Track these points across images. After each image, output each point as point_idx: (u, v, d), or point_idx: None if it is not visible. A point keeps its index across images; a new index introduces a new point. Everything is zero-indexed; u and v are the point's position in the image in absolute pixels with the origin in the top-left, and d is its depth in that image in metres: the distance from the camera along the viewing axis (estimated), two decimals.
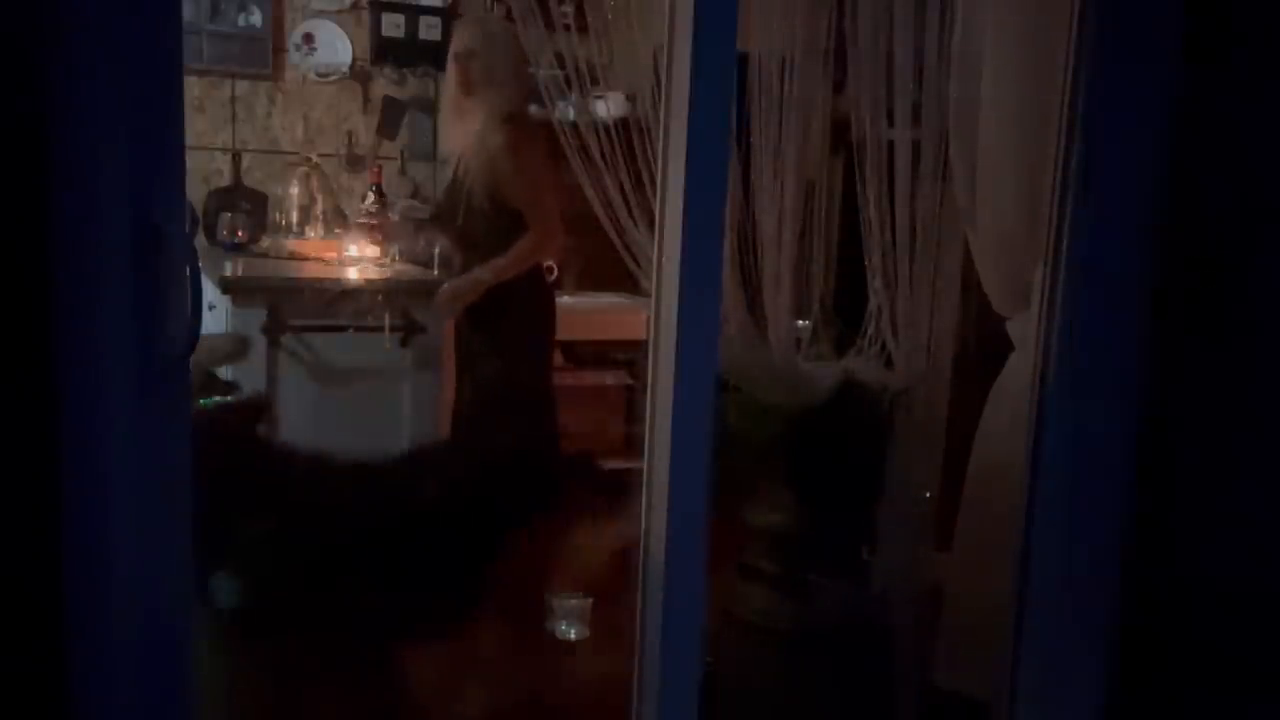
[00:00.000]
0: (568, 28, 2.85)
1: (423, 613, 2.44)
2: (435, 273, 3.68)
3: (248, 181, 4.40)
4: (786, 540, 2.92)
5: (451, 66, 3.47)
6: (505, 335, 3.46)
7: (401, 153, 4.62)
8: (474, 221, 3.42)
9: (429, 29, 4.56)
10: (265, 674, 2.58)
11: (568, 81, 2.82)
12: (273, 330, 3.29)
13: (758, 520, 2.97)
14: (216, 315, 3.31)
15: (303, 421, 3.30)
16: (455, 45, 3.50)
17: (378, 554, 2.34)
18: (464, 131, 3.45)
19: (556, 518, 2.74)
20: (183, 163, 1.40)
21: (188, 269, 1.38)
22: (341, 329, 3.40)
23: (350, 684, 2.47)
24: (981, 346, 2.87)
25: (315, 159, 4.44)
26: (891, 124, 2.66)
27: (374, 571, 2.35)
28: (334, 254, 3.92)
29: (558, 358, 3.86)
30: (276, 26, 4.43)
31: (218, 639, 2.66)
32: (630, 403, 4.17)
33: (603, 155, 2.76)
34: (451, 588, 2.47)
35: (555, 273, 3.85)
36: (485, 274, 3.41)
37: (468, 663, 2.62)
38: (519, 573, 2.64)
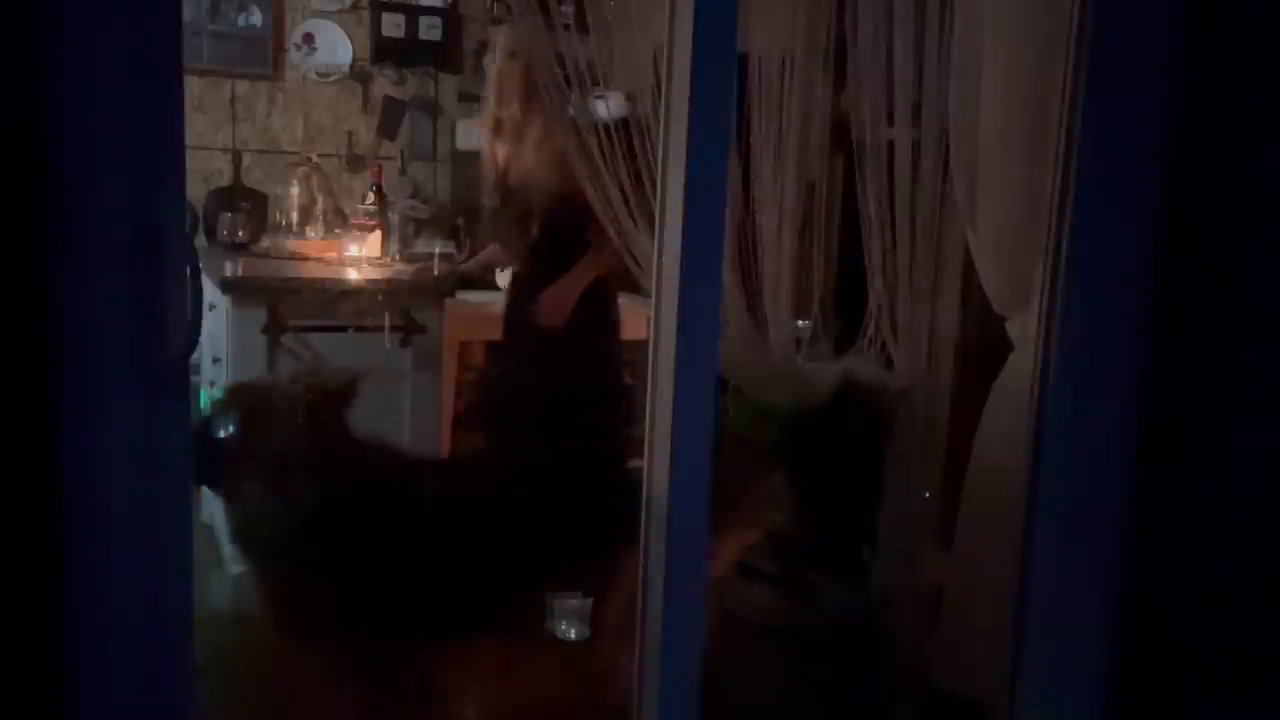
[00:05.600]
0: (568, 28, 2.84)
1: (428, 614, 2.44)
2: (435, 273, 3.67)
3: (248, 181, 4.40)
4: (786, 540, 2.92)
5: (508, 67, 3.25)
6: (579, 340, 3.33)
7: (401, 153, 4.62)
8: (535, 228, 3.30)
9: (429, 29, 4.56)
10: (274, 669, 2.58)
11: (568, 81, 2.82)
12: (273, 330, 3.29)
13: (758, 520, 2.97)
14: (216, 315, 3.31)
15: None
16: (511, 45, 3.25)
17: (398, 556, 2.34)
18: (517, 136, 3.28)
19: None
20: (183, 163, 1.40)
21: (188, 269, 1.38)
22: (341, 329, 3.39)
23: (349, 683, 2.47)
24: (981, 346, 2.87)
25: (315, 159, 4.44)
26: (891, 124, 2.66)
27: (385, 573, 2.35)
28: (334, 254, 3.92)
29: None
30: (276, 26, 4.44)
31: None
32: (630, 403, 4.16)
33: (603, 155, 2.75)
34: (456, 590, 2.47)
35: None
36: (584, 274, 3.23)
37: (467, 662, 2.62)
38: (520, 572, 2.64)
